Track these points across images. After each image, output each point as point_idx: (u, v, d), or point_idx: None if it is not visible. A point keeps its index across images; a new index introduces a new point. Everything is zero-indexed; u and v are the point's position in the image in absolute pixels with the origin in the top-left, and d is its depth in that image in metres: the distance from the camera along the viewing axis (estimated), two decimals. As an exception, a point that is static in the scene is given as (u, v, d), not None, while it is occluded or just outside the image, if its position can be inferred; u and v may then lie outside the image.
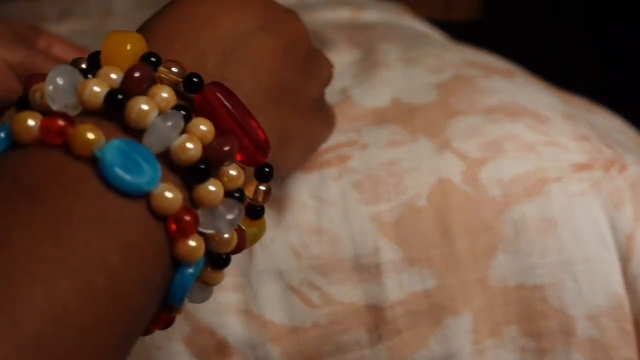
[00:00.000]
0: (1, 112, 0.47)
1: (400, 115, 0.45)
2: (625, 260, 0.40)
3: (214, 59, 0.29)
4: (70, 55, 0.48)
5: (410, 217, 0.40)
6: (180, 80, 0.26)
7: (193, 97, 0.26)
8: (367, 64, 0.54)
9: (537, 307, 0.40)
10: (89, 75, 0.26)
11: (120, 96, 0.24)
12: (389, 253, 0.39)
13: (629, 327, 0.39)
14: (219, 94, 0.26)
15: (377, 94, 0.48)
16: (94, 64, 0.26)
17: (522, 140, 0.42)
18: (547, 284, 0.40)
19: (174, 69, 0.26)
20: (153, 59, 0.26)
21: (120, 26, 0.93)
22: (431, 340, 0.40)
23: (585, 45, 1.38)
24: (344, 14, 0.75)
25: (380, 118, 0.46)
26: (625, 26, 1.32)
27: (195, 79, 0.26)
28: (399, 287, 0.39)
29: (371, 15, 0.75)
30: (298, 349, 0.39)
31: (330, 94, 0.50)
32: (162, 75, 0.26)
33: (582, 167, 0.41)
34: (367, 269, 0.39)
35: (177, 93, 0.26)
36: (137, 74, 0.25)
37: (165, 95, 0.25)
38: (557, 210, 0.40)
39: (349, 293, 0.39)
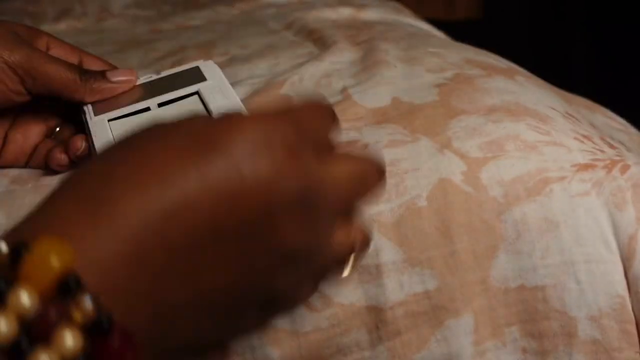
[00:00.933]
0: (3, 114, 0.46)
1: (401, 115, 0.45)
2: (627, 260, 0.39)
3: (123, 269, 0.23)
4: (69, 56, 0.48)
5: (411, 217, 0.40)
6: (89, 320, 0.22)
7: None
8: (368, 63, 0.54)
9: (538, 308, 0.40)
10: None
11: (23, 346, 0.21)
12: (389, 254, 0.39)
13: (631, 328, 0.39)
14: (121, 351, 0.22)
15: (377, 94, 0.48)
16: (13, 268, 0.22)
17: (523, 140, 0.42)
18: (549, 284, 0.39)
19: (88, 303, 0.22)
20: (71, 285, 0.22)
21: (118, 25, 0.93)
22: (432, 341, 0.39)
23: (585, 45, 1.38)
24: (345, 13, 0.75)
25: (381, 117, 0.45)
26: (625, 26, 1.32)
27: (104, 322, 0.22)
28: (399, 287, 0.39)
29: (372, 14, 0.75)
30: (299, 352, 0.39)
31: (331, 94, 0.50)
32: (72, 310, 0.22)
33: (584, 167, 0.41)
34: (367, 270, 0.39)
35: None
36: (51, 314, 0.21)
37: (70, 343, 0.21)
38: (559, 211, 0.40)
39: (349, 294, 0.39)
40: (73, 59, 0.48)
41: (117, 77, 0.48)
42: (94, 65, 0.49)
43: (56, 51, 0.47)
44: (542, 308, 0.40)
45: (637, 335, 0.39)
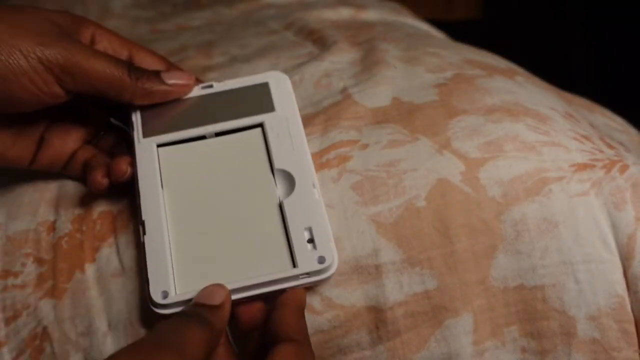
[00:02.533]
0: (39, 114, 0.40)
1: (401, 115, 0.45)
2: (626, 260, 0.39)
3: None
4: (117, 48, 0.43)
5: (410, 217, 0.40)
6: None
7: None
8: (368, 63, 0.54)
9: (537, 308, 0.40)
10: None
11: None
12: (388, 254, 0.39)
13: (631, 327, 0.39)
14: None
15: (377, 94, 0.48)
16: None
17: (522, 141, 0.42)
18: (548, 284, 0.39)
19: None
20: None
21: (119, 25, 0.93)
22: (431, 341, 0.39)
23: (585, 45, 1.38)
24: (344, 13, 0.75)
25: (381, 117, 0.45)
26: (625, 26, 1.32)
27: None
28: (399, 288, 0.39)
29: (372, 14, 0.75)
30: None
31: (331, 94, 0.50)
32: None
33: (582, 167, 0.41)
34: (366, 270, 0.39)
35: None
36: None
37: None
38: (558, 211, 0.40)
39: (349, 295, 0.39)
40: (122, 53, 0.43)
41: (173, 80, 0.42)
42: (147, 62, 0.43)
43: (103, 44, 0.42)
44: (542, 308, 0.40)
45: (636, 334, 0.39)
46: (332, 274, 0.37)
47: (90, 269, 0.40)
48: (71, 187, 0.45)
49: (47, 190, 0.45)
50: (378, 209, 0.40)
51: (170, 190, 0.40)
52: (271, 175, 0.40)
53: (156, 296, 0.36)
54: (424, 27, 0.78)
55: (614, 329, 0.39)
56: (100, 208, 0.43)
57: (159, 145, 0.42)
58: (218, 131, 0.42)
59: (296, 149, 0.41)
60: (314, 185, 0.39)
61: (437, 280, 0.39)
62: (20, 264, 0.41)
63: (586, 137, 0.44)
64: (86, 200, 0.44)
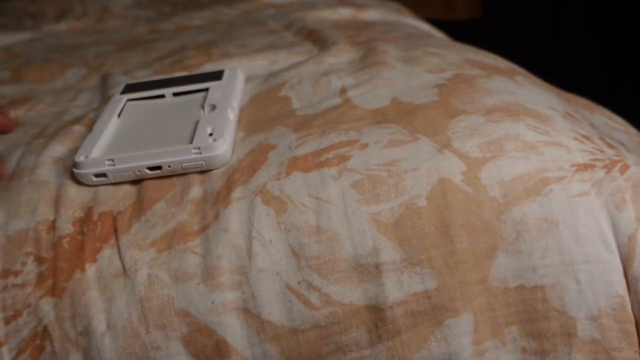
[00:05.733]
0: None
1: (401, 115, 0.45)
2: (626, 260, 0.39)
3: None
4: None
5: (411, 217, 0.40)
6: None
7: None
8: (367, 63, 0.54)
9: (538, 308, 0.40)
10: None
11: None
12: (389, 253, 0.39)
13: (631, 328, 0.39)
14: None
15: (377, 94, 0.48)
16: None
17: (523, 140, 0.42)
18: (548, 284, 0.39)
19: None
20: None
21: (118, 25, 0.93)
22: (431, 340, 0.39)
23: (585, 45, 1.38)
24: (345, 14, 0.75)
25: (381, 118, 0.45)
26: (625, 26, 1.32)
27: None
28: (399, 287, 0.39)
29: (372, 14, 0.75)
30: (298, 350, 0.39)
31: (329, 94, 0.50)
32: None
33: (583, 167, 0.41)
34: (366, 269, 0.39)
35: None
36: None
37: None
38: (558, 211, 0.40)
39: (348, 293, 0.39)
40: None
41: None
42: None
43: None
44: (542, 308, 0.40)
45: (637, 335, 0.39)
46: (223, 159, 0.44)
47: (91, 269, 0.40)
48: (71, 187, 0.45)
49: (47, 190, 0.45)
50: (379, 208, 0.40)
51: (123, 116, 0.50)
52: (201, 108, 0.49)
53: (78, 158, 0.45)
54: (424, 27, 0.78)
55: (614, 330, 0.39)
56: (100, 209, 0.43)
57: (129, 100, 0.52)
58: (175, 92, 0.53)
59: (226, 93, 0.50)
60: (230, 110, 0.48)
61: (437, 279, 0.39)
62: (21, 263, 0.41)
63: (587, 137, 0.44)
64: (86, 201, 0.44)
